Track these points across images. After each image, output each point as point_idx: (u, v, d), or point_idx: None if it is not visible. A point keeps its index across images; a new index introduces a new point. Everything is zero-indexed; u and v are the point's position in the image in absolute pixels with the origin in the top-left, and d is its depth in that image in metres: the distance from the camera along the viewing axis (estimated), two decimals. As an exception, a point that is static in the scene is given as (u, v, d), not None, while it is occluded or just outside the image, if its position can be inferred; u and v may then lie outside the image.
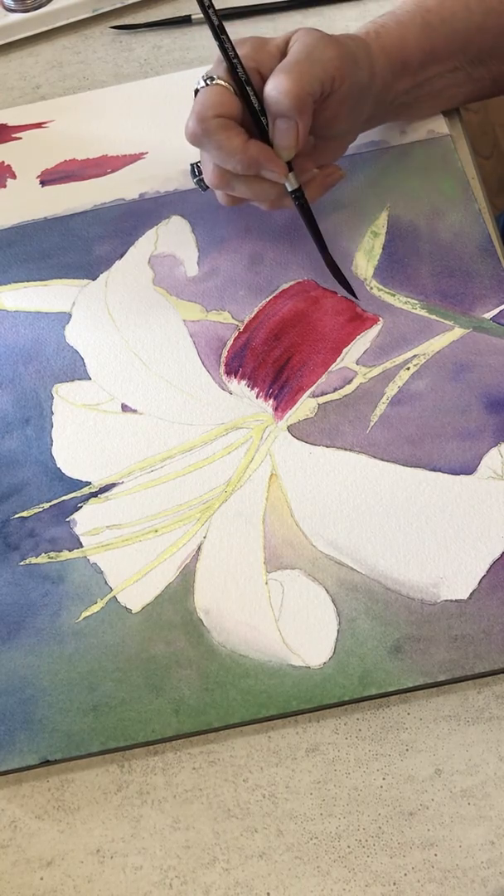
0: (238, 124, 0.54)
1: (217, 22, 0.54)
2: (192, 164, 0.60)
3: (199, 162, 0.59)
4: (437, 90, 0.63)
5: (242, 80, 0.54)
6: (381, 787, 0.45)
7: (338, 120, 0.57)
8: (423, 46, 0.60)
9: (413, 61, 0.60)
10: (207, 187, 0.59)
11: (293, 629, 0.48)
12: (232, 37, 0.54)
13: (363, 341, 0.57)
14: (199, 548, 0.51)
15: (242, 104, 0.55)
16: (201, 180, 0.59)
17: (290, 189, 0.57)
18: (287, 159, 0.55)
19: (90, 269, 0.63)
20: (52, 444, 0.56)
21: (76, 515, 0.53)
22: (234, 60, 0.54)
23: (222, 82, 0.54)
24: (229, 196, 0.59)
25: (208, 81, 0.54)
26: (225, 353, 0.58)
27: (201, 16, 0.55)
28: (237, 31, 0.67)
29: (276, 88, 0.53)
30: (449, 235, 0.61)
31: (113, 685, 0.48)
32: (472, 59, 0.62)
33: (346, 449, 0.54)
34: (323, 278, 0.60)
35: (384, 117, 0.64)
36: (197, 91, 0.55)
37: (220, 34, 0.54)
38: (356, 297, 0.59)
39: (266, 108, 0.54)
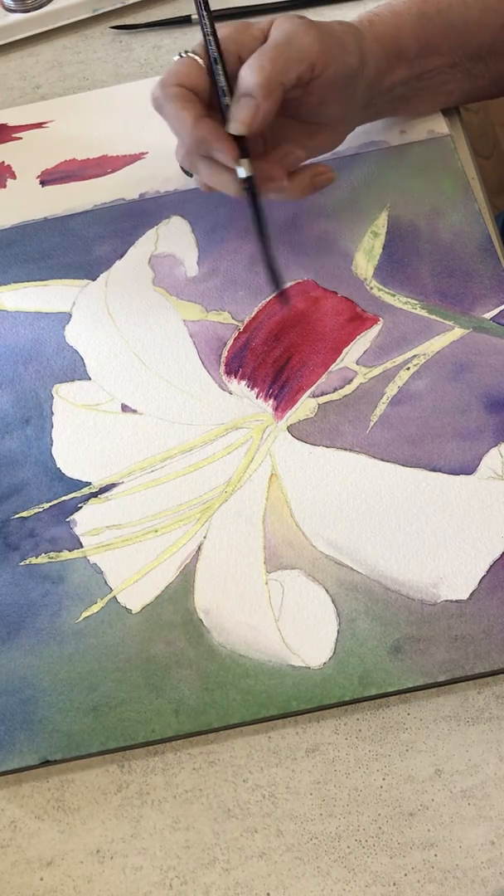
0: (199, 99, 0.54)
1: None
2: None
3: None
4: (435, 84, 0.63)
5: (212, 57, 0.54)
6: (381, 787, 0.45)
7: (326, 105, 0.57)
8: (419, 35, 0.60)
9: (409, 50, 0.60)
10: (191, 174, 0.58)
11: (293, 629, 0.48)
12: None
13: (363, 341, 0.57)
14: (199, 548, 0.51)
15: (211, 82, 0.54)
16: None
17: (241, 176, 0.55)
18: (236, 132, 0.54)
19: (90, 269, 0.63)
20: (52, 445, 0.56)
21: (76, 515, 0.53)
22: (210, 37, 0.54)
23: (196, 57, 0.54)
24: (204, 183, 0.58)
25: (182, 54, 0.55)
26: (225, 354, 0.58)
27: (201, 15, 0.55)
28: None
29: (247, 68, 0.53)
30: (449, 235, 0.61)
31: (113, 685, 0.48)
32: (472, 55, 0.62)
33: (346, 449, 0.54)
34: (323, 278, 0.60)
35: (382, 109, 0.63)
36: None
37: (201, 8, 0.54)
38: (284, 298, 0.58)
39: (236, 90, 0.54)
